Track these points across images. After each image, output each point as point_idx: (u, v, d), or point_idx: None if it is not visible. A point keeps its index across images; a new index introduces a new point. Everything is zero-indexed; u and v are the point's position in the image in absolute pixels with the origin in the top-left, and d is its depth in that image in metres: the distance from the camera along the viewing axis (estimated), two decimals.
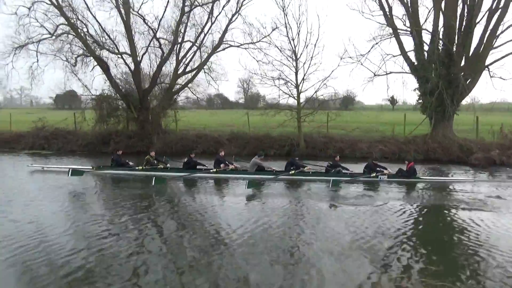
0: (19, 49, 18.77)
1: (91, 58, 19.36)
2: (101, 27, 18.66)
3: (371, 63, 21.83)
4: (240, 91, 64.42)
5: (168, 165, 13.81)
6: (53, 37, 18.41)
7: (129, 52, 19.37)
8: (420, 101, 19.54)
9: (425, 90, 18.51)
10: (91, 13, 18.28)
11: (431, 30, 18.63)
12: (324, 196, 10.48)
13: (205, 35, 20.79)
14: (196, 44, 19.67)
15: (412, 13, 18.78)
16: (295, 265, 5.86)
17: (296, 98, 18.70)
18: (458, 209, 9.32)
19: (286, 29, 18.28)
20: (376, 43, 19.52)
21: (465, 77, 18.29)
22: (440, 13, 18.34)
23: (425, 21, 19.28)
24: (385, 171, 12.57)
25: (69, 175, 11.84)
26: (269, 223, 7.89)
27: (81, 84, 21.15)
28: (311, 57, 18.20)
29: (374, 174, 12.34)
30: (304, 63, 18.13)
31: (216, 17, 20.58)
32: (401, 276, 5.49)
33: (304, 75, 18.21)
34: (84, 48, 18.77)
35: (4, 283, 5.22)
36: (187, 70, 21.40)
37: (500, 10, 17.59)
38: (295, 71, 18.36)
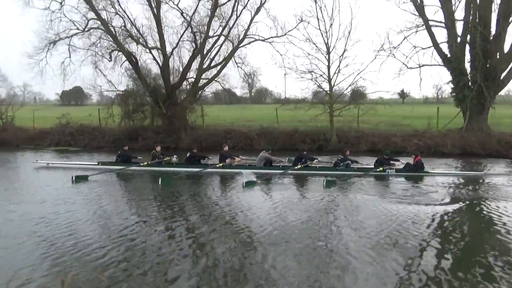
0: (52, 45, 18.56)
1: (119, 53, 19.10)
2: (131, 21, 18.39)
3: (402, 55, 21.27)
4: (245, 85, 64.02)
5: (174, 158, 13.68)
6: (85, 32, 18.19)
7: (158, 46, 19.04)
8: (454, 94, 19.12)
9: (460, 83, 18.13)
10: (121, 7, 18.03)
11: (462, 22, 18.24)
12: (333, 191, 10.18)
13: (230, 29, 20.50)
14: (229, 38, 19.30)
15: (446, 4, 18.35)
16: (329, 263, 5.59)
17: (328, 92, 18.35)
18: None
19: (318, 21, 17.91)
20: (409, 35, 19.12)
21: (501, 69, 17.90)
22: (473, 4, 17.92)
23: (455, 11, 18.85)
24: (397, 163, 12.44)
25: (73, 182, 10.94)
26: (294, 218, 7.64)
27: (106, 80, 20.95)
28: (344, 50, 17.82)
29: (381, 168, 12.14)
30: (341, 56, 17.73)
31: (242, 11, 20.30)
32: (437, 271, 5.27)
33: (339, 68, 17.83)
34: (114, 43, 18.48)
35: (38, 275, 5.07)
36: (212, 64, 21.14)
37: None
38: (327, 64, 18.00)
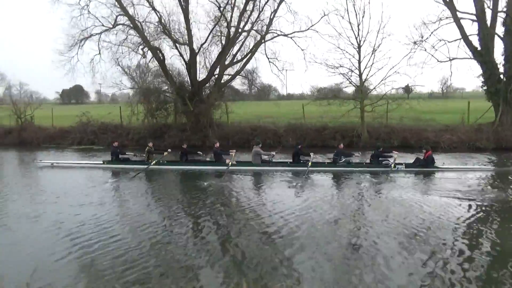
0: (84, 41, 18.20)
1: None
2: (159, 16, 17.96)
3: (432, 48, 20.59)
4: (245, 82, 63.30)
5: (169, 150, 13.64)
6: (113, 29, 17.80)
7: (186, 42, 18.61)
8: (485, 87, 18.82)
9: (492, 76, 17.85)
10: (148, 2, 17.60)
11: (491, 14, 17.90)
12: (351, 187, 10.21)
13: (253, 23, 20.10)
14: (261, 33, 18.91)
15: None
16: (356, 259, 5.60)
17: (359, 87, 18.05)
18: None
19: (348, 15, 17.56)
20: (437, 28, 18.78)
21: None
22: None
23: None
24: (394, 155, 12.35)
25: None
26: (318, 216, 7.64)
27: (127, 77, 20.61)
28: (374, 45, 17.52)
29: (391, 163, 12.04)
30: (373, 50, 17.39)
31: (264, 6, 19.87)
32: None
33: (372, 62, 17.52)
34: (141, 40, 18.10)
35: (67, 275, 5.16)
36: (234, 60, 20.77)
37: None
38: (358, 59, 17.68)
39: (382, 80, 17.73)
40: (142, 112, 20.99)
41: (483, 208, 8.11)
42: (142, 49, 18.39)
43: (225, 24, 18.31)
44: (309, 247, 5.94)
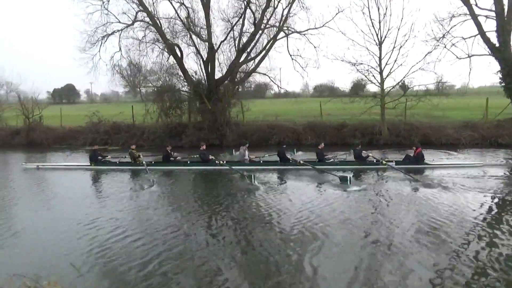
0: (105, 38, 17.75)
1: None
2: (187, 13, 17.61)
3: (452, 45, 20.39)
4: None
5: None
6: (133, 25, 17.39)
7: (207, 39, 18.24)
8: (503, 84, 18.82)
9: (511, 72, 17.85)
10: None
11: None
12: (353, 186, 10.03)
13: (267, 20, 19.79)
14: (284, 29, 18.60)
15: None
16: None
17: (379, 84, 17.92)
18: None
19: (369, 11, 17.38)
20: (455, 24, 18.70)
21: None
22: None
23: None
24: (370, 154, 12.47)
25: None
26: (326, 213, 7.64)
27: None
28: (395, 41, 17.36)
29: (381, 161, 12.03)
30: (397, 46, 17.26)
31: (279, 2, 19.58)
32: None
33: (395, 59, 17.33)
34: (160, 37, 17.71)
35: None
36: (248, 58, 20.45)
37: None
38: (378, 56, 17.53)
39: (404, 76, 17.57)
40: (155, 111, 20.57)
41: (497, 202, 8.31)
42: (165, 46, 17.90)
43: (252, 20, 17.89)
44: (326, 247, 5.91)
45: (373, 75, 17.85)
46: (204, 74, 19.10)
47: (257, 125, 19.91)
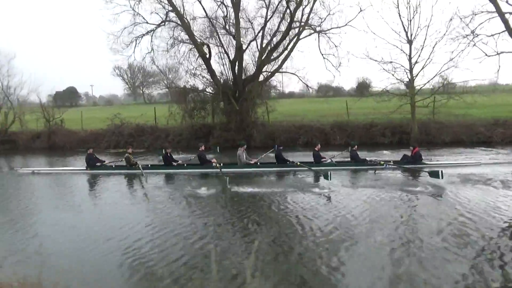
0: (139, 38, 17.67)
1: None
2: (225, 11, 17.49)
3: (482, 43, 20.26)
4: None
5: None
6: (164, 25, 17.28)
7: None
8: None
9: None
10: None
11: None
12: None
13: (300, 19, 19.55)
14: (318, 29, 18.45)
15: None
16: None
17: (409, 83, 17.74)
18: None
19: (398, 9, 17.23)
20: (482, 22, 18.49)
21: None
22: None
23: None
24: (367, 158, 12.30)
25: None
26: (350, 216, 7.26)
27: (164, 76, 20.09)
28: (424, 39, 17.17)
29: (378, 161, 11.86)
30: (430, 43, 17.05)
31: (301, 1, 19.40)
32: None
33: (429, 57, 17.13)
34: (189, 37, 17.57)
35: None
36: (272, 57, 20.26)
37: None
38: (408, 54, 17.36)
39: (435, 74, 17.40)
40: (179, 112, 20.41)
41: None
42: (202, 46, 17.71)
43: (288, 19, 17.68)
44: (351, 249, 5.67)
45: (406, 73, 17.58)
46: (231, 74, 18.90)
47: (282, 125, 19.70)
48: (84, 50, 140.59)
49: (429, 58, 16.92)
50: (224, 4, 17.44)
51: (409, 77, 17.68)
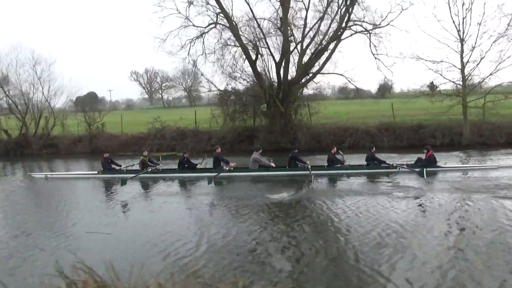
0: (194, 40, 17.82)
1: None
2: (254, 16, 17.43)
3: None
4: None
5: (160, 165, 13.17)
6: (215, 27, 17.39)
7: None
8: None
9: None
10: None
11: None
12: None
13: (332, 20, 19.33)
14: (369, 30, 18.18)
15: None
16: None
17: (460, 83, 17.26)
18: None
19: (449, 7, 16.80)
20: None
21: None
22: None
23: None
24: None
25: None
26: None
27: (205, 79, 20.20)
28: (476, 38, 16.70)
29: (392, 164, 11.46)
30: (486, 42, 16.79)
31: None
32: None
33: (482, 56, 16.64)
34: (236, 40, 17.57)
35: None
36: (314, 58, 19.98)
37: None
38: (460, 52, 16.90)
39: (490, 74, 16.87)
40: (220, 115, 20.39)
41: None
42: (253, 48, 17.69)
43: (337, 18, 17.51)
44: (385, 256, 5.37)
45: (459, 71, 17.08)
46: (275, 76, 18.76)
47: (326, 127, 19.41)
48: (91, 56, 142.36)
49: (484, 56, 16.40)
50: (274, 6, 17.37)
51: (461, 76, 17.20)
